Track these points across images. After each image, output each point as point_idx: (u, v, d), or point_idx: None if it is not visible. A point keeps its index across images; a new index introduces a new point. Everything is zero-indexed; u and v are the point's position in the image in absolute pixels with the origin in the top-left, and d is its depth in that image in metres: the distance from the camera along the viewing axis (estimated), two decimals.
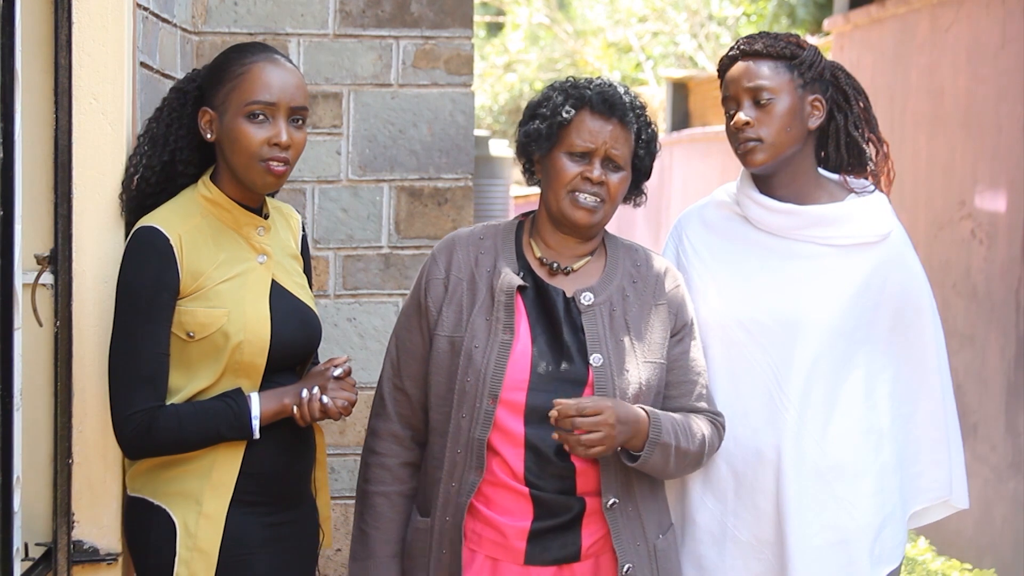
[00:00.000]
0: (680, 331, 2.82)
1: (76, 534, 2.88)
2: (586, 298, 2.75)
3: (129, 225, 2.83)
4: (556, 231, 2.80)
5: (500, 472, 2.69)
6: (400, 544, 2.82)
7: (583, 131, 2.71)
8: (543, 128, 2.74)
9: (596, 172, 2.70)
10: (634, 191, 2.84)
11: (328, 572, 3.84)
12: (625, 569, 2.69)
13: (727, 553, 2.95)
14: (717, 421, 2.84)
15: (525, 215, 2.89)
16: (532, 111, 2.79)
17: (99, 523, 2.88)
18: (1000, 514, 6.06)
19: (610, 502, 2.70)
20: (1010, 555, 5.97)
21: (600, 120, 2.71)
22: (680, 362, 2.81)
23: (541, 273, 2.79)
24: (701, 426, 2.77)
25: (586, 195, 2.71)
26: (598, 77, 2.81)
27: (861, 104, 3.00)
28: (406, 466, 2.84)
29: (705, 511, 2.96)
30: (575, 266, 2.79)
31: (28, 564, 2.78)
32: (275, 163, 2.74)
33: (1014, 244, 6.05)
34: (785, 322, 2.91)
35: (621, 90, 2.76)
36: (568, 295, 2.76)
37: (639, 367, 2.73)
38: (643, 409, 2.67)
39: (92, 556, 2.88)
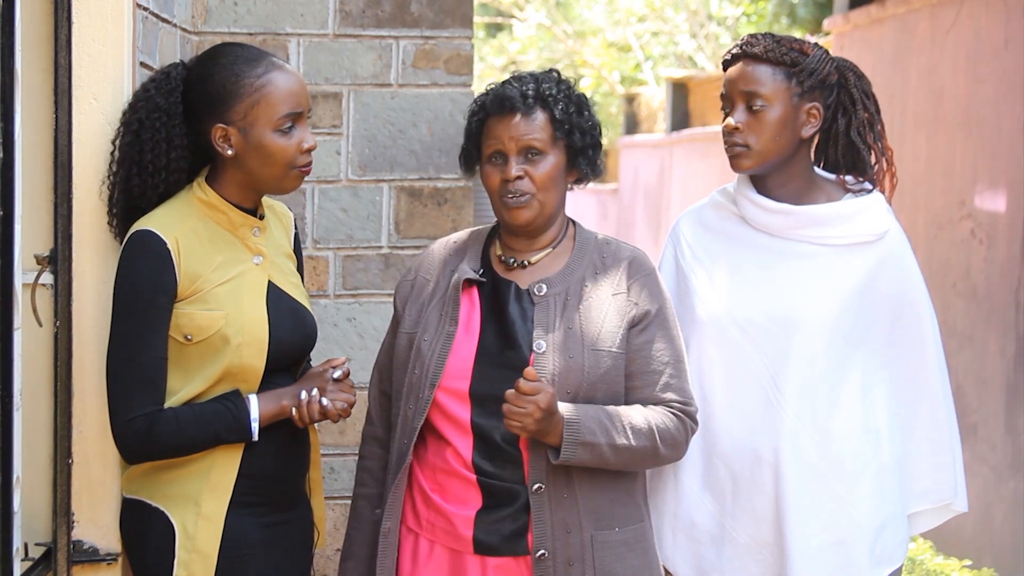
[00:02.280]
0: (642, 320, 2.79)
1: (76, 534, 2.88)
2: (539, 288, 2.79)
3: (120, 230, 2.82)
4: (509, 233, 2.86)
5: (452, 460, 2.73)
6: None
7: (489, 136, 2.79)
8: (467, 147, 2.85)
9: (513, 171, 2.75)
10: (578, 171, 2.83)
11: (328, 572, 3.84)
12: (539, 555, 2.70)
13: (725, 554, 2.94)
14: (685, 411, 2.78)
15: None
16: (464, 135, 2.87)
17: (99, 523, 2.88)
18: (1000, 514, 6.07)
19: (535, 486, 2.71)
20: (1010, 554, 5.97)
21: (500, 120, 2.77)
22: (642, 352, 2.78)
23: (499, 269, 2.84)
24: (649, 418, 2.73)
25: (511, 195, 2.75)
26: (511, 76, 2.85)
27: (867, 110, 2.98)
28: (387, 468, 2.86)
29: (704, 512, 2.96)
30: (532, 259, 2.83)
31: (28, 564, 2.78)
32: (306, 167, 2.78)
33: (1014, 244, 6.06)
34: (781, 322, 2.91)
35: (521, 81, 2.80)
36: (523, 287, 2.80)
37: (585, 354, 2.73)
38: (568, 409, 2.67)
39: (92, 556, 2.88)
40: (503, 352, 2.74)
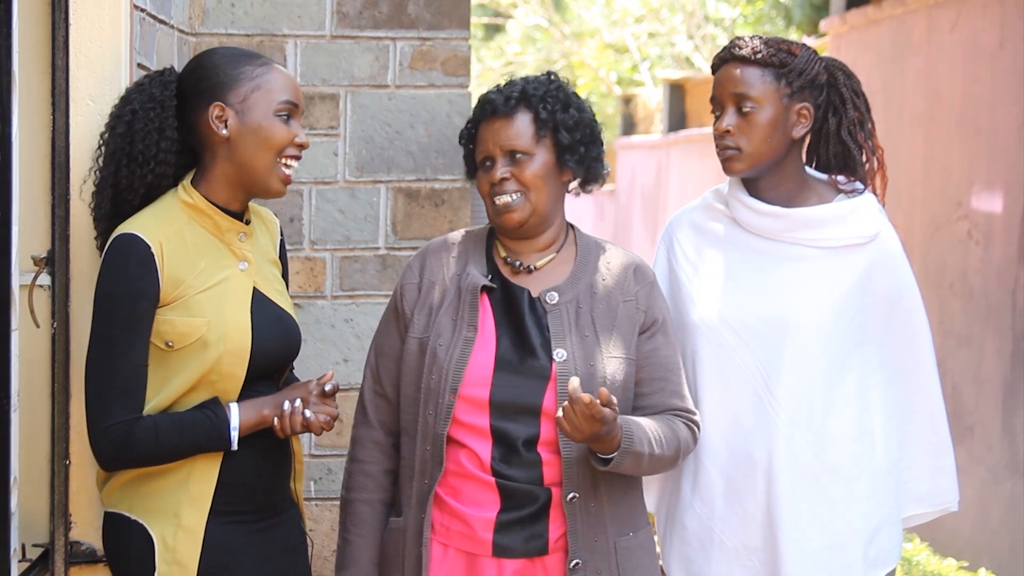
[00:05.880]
0: (650, 327, 2.83)
1: (73, 535, 2.88)
2: (551, 297, 2.79)
3: (103, 230, 2.78)
4: (505, 236, 2.86)
5: (467, 463, 2.71)
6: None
7: (478, 143, 2.82)
8: (465, 154, 2.87)
9: (498, 173, 2.77)
10: (572, 172, 2.81)
11: (325, 573, 3.84)
12: (572, 564, 2.71)
13: (713, 559, 2.93)
14: (692, 421, 2.83)
15: None
16: (464, 142, 2.89)
17: (96, 524, 2.88)
18: (997, 514, 6.07)
19: (570, 496, 2.71)
20: (1007, 555, 5.97)
21: (486, 126, 2.80)
22: (651, 359, 2.82)
23: (506, 272, 2.83)
24: (678, 430, 2.78)
25: (498, 197, 2.77)
26: (507, 82, 2.86)
27: (857, 109, 2.98)
28: (388, 473, 2.85)
29: (694, 515, 2.95)
30: (538, 264, 2.83)
31: (25, 565, 2.78)
32: (293, 160, 2.76)
33: (1010, 245, 6.06)
34: (773, 324, 2.90)
35: (510, 85, 2.82)
36: (534, 294, 2.80)
37: (604, 362, 2.75)
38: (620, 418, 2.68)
39: (89, 557, 2.88)
40: (523, 361, 2.73)
